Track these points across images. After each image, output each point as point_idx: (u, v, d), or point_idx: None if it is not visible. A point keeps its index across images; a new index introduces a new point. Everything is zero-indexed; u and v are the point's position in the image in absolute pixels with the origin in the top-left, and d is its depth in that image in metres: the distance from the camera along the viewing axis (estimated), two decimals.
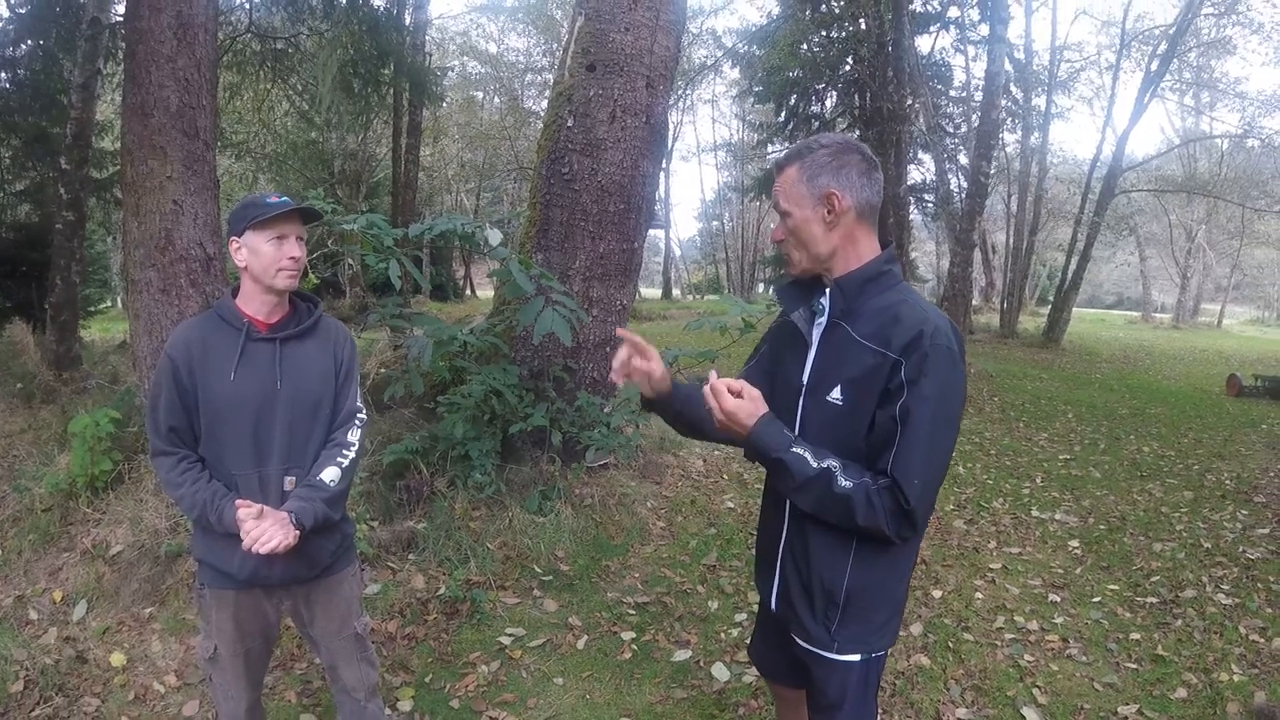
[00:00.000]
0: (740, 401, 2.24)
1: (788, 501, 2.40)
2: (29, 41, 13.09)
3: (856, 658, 2.40)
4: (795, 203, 2.30)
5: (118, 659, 4.44)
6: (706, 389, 2.29)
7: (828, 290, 2.34)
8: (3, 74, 13.74)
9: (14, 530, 5.66)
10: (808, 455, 2.19)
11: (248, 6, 13.82)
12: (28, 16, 12.42)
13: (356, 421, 3.01)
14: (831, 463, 2.17)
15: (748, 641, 4.72)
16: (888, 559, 2.34)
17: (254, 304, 2.84)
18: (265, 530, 2.59)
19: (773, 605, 2.58)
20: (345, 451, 2.91)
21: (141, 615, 4.82)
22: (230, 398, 2.74)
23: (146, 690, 4.25)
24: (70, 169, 11.25)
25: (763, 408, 2.26)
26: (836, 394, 2.26)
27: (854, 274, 2.30)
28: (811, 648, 2.44)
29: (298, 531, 2.69)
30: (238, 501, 2.64)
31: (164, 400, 2.75)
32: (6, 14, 13.03)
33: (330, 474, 2.84)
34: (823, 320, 2.35)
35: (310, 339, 2.92)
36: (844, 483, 2.14)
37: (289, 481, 2.83)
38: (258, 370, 2.78)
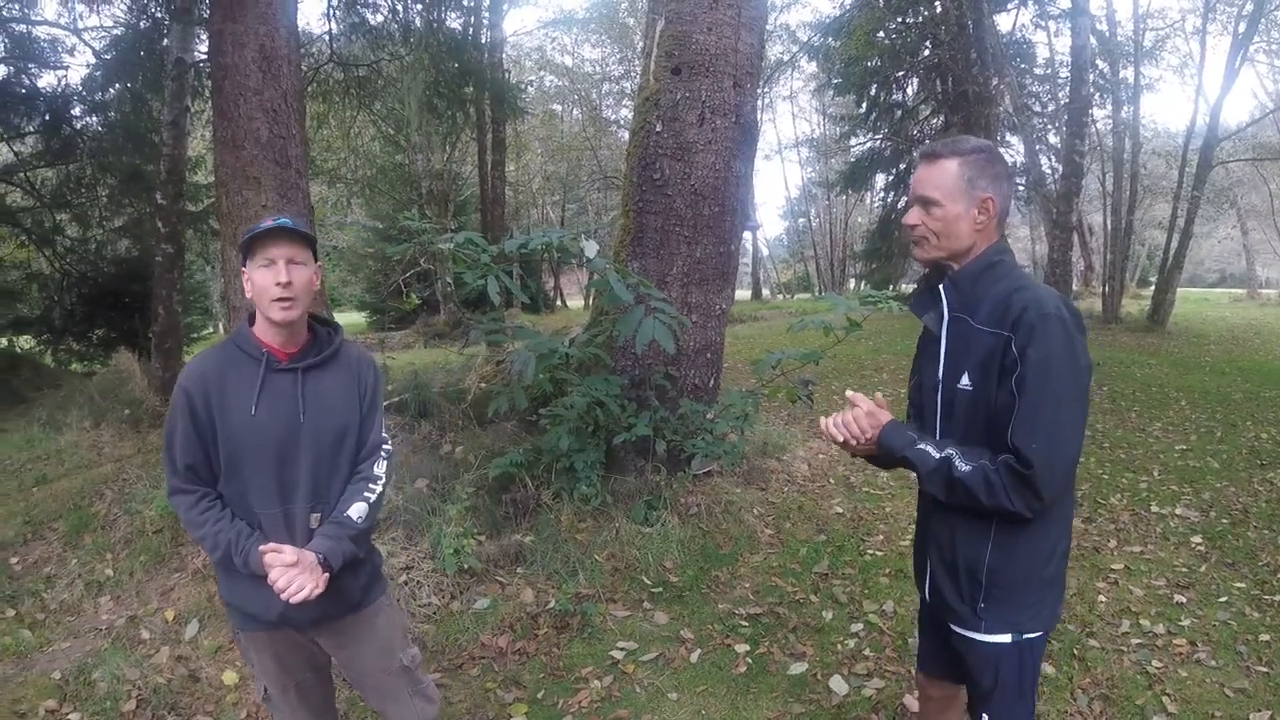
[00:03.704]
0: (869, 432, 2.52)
1: (931, 497, 2.54)
2: (117, 85, 13.51)
3: (1007, 639, 2.47)
4: (950, 197, 2.42)
5: (230, 677, 4.51)
6: (841, 421, 2.58)
7: (941, 287, 2.52)
8: (94, 117, 14.25)
9: (125, 551, 5.80)
10: (929, 449, 2.39)
11: (327, 37, 14.07)
12: (114, 62, 12.85)
13: (383, 453, 2.89)
14: (950, 451, 2.35)
15: (865, 653, 4.67)
16: (1027, 537, 2.40)
17: (269, 334, 2.71)
18: (294, 579, 2.51)
19: (926, 594, 2.72)
20: (372, 485, 2.80)
21: (238, 644, 4.88)
22: (252, 432, 2.62)
23: (259, 708, 4.29)
24: (166, 204, 11.61)
25: (885, 417, 2.52)
26: (965, 381, 2.41)
27: (968, 267, 2.47)
28: (962, 630, 2.55)
29: (327, 575, 2.61)
30: (264, 547, 2.56)
31: (179, 436, 2.63)
32: (93, 61, 13.44)
33: (358, 510, 2.73)
34: (946, 317, 2.51)
35: (332, 367, 2.80)
36: (962, 467, 2.31)
37: (314, 518, 2.72)
38: (280, 402, 2.67)
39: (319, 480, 2.72)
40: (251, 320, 2.76)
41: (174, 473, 2.66)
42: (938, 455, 2.36)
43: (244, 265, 2.66)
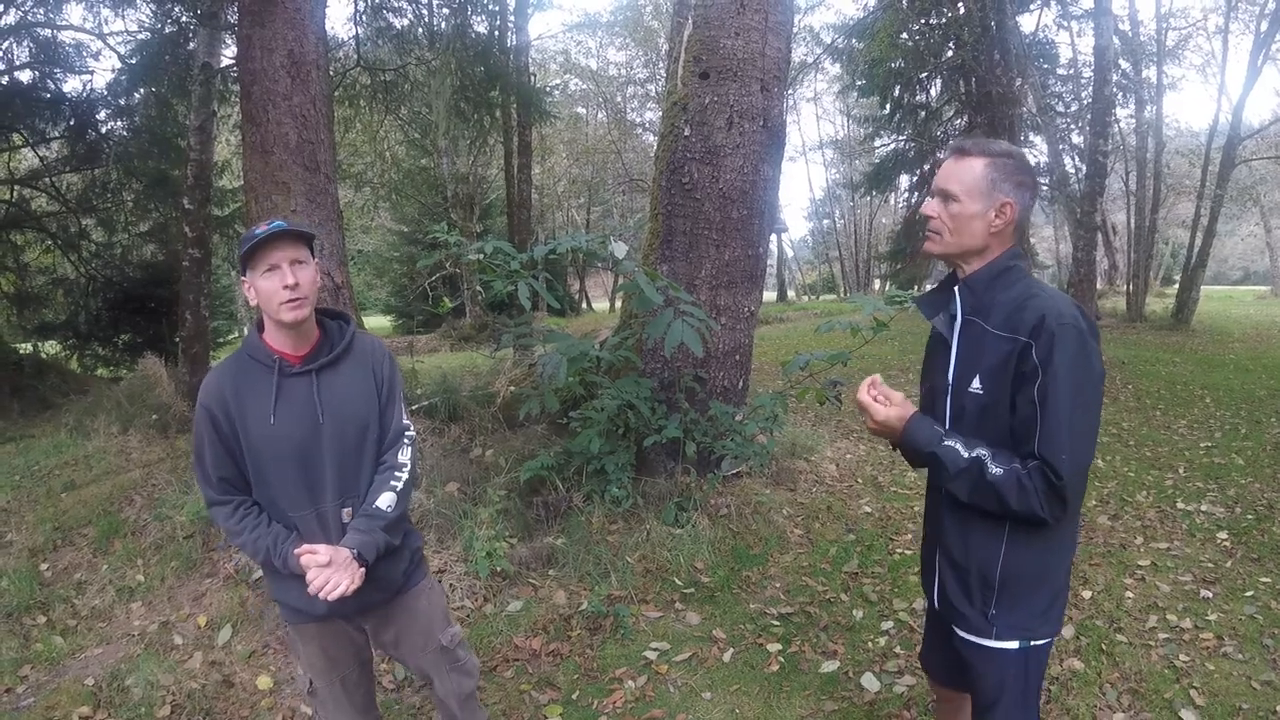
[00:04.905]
0: (891, 409, 2.48)
1: (944, 497, 2.52)
2: (142, 90, 13.56)
3: (1014, 645, 2.46)
4: (970, 195, 2.40)
5: (264, 682, 4.54)
6: (860, 397, 2.56)
7: (955, 289, 2.51)
8: (120, 122, 14.29)
9: (156, 557, 5.83)
10: (959, 446, 2.34)
11: (354, 42, 14.12)
12: (139, 66, 12.87)
13: (406, 440, 2.93)
14: (981, 452, 2.30)
15: (896, 650, 4.68)
16: (1041, 542, 2.40)
17: (279, 338, 2.73)
18: (330, 578, 2.57)
19: (935, 602, 2.69)
20: (398, 473, 2.84)
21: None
22: (273, 440, 2.67)
23: (294, 713, 4.34)
24: (193, 208, 11.66)
25: (910, 409, 2.48)
26: (977, 385, 2.39)
27: (981, 271, 2.46)
28: (971, 637, 2.52)
29: (363, 569, 2.67)
30: (299, 550, 2.62)
31: (208, 451, 2.69)
32: (119, 65, 13.49)
33: (386, 500, 2.77)
34: (959, 320, 2.49)
35: (346, 363, 2.82)
36: (995, 470, 2.26)
37: (346, 513, 2.77)
38: (297, 407, 2.69)
39: (345, 477, 2.77)
40: (261, 327, 2.78)
41: (208, 485, 2.73)
42: (967, 455, 2.31)
43: (244, 275, 2.67)
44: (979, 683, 2.55)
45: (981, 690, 2.56)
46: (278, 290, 2.59)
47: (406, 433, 2.95)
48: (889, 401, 2.50)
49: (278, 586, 2.85)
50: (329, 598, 2.56)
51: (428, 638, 3.09)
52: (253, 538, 2.67)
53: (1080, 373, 2.21)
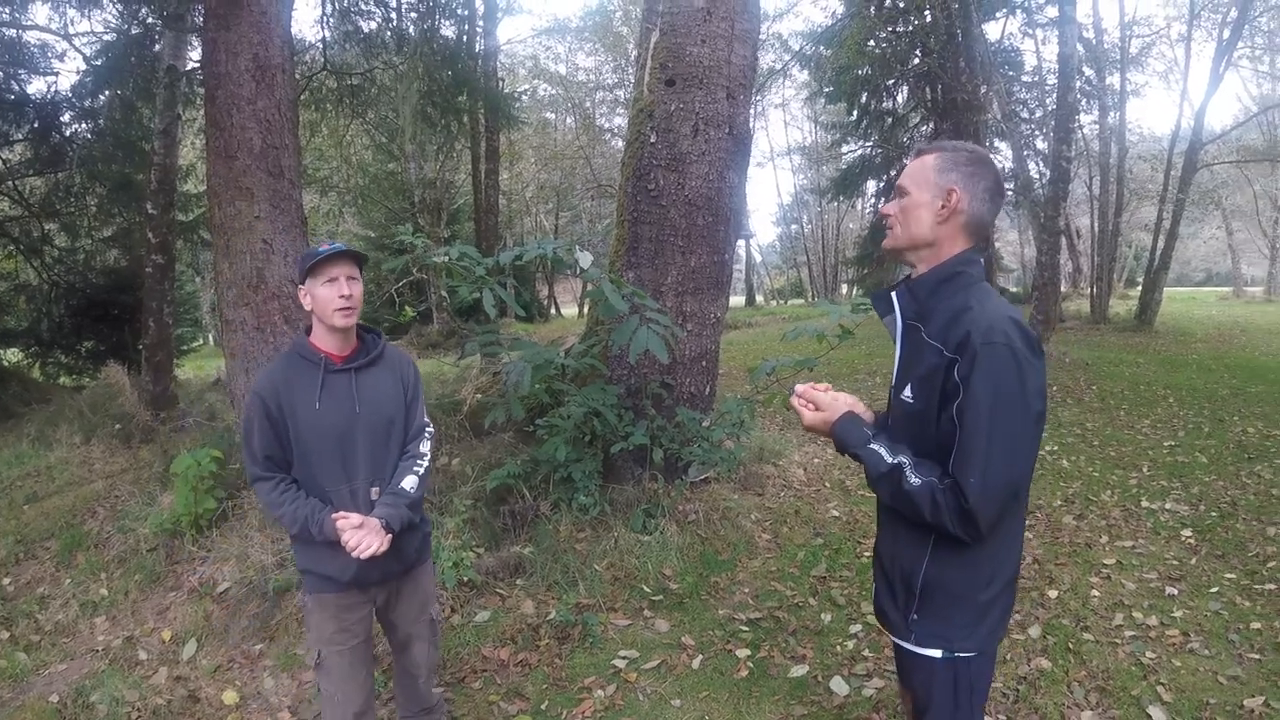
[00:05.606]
0: (817, 414, 2.54)
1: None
2: (107, 92, 13.37)
3: (937, 654, 2.40)
4: (917, 185, 2.37)
5: (230, 697, 4.51)
6: (791, 402, 2.63)
7: (893, 292, 2.46)
8: (84, 125, 14.04)
9: (120, 570, 5.78)
10: (883, 451, 2.32)
11: (321, 45, 14.01)
12: (104, 68, 12.69)
13: (426, 434, 3.44)
14: (903, 459, 2.28)
15: (864, 653, 4.70)
16: (964, 560, 2.34)
17: (325, 341, 3.21)
18: (364, 539, 3.00)
19: (875, 600, 2.67)
20: (420, 461, 3.34)
21: (252, 652, 4.89)
22: (318, 424, 3.12)
23: None
24: (157, 214, 11.51)
25: (839, 410, 2.50)
26: (908, 393, 2.35)
27: (928, 275, 2.39)
28: (896, 639, 2.52)
29: (390, 536, 3.09)
30: (335, 515, 3.05)
31: (258, 433, 3.13)
32: (84, 67, 13.31)
33: (409, 482, 3.26)
34: (899, 323, 2.45)
35: (379, 366, 3.31)
36: (913, 480, 2.23)
37: (374, 491, 3.22)
38: (338, 398, 3.16)
39: (376, 460, 3.24)
40: (308, 331, 3.26)
41: (255, 462, 3.17)
42: (890, 460, 2.28)
43: (302, 284, 3.15)
44: (910, 685, 2.53)
45: (914, 695, 2.52)
46: (334, 299, 3.09)
47: (427, 428, 3.46)
48: (815, 407, 2.56)
49: (307, 556, 3.25)
50: (363, 555, 2.99)
51: (422, 610, 3.58)
52: (292, 509, 3.09)
53: (1003, 396, 2.13)
